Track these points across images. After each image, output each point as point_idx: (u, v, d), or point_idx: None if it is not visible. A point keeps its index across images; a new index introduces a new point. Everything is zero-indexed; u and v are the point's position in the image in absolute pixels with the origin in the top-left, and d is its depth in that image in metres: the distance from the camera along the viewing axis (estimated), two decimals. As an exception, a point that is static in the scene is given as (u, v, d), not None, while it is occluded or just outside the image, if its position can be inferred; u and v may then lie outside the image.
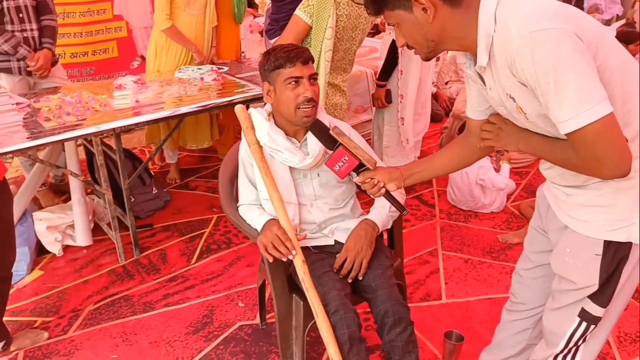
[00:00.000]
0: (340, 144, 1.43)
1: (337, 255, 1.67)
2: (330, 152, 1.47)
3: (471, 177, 3.15)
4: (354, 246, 1.65)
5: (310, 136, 1.66)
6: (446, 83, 5.09)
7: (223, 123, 3.58)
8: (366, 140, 1.83)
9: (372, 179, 1.43)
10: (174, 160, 3.57)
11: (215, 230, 2.99)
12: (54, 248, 2.68)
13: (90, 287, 2.49)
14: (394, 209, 1.70)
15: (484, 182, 3.14)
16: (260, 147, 1.69)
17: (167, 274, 2.60)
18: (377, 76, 3.17)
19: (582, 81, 0.98)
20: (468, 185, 3.16)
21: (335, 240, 1.76)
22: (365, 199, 2.11)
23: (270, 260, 1.59)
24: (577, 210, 1.22)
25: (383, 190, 1.45)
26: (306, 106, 1.62)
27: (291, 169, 1.71)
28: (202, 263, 2.69)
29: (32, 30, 2.81)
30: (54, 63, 2.96)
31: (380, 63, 3.15)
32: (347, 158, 1.43)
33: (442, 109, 4.77)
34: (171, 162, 3.58)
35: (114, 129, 2.38)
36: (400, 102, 3.14)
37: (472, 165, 3.08)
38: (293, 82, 1.62)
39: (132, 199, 2.99)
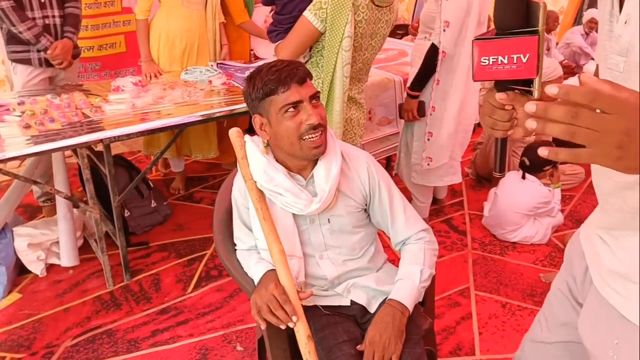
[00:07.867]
0: (539, 31, 0.73)
1: (359, 347, 1.28)
2: (505, 35, 0.73)
3: (521, 206, 2.78)
4: (380, 339, 1.25)
5: (318, 172, 1.31)
6: (479, 90, 4.66)
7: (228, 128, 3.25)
8: (391, 156, 1.44)
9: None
10: (180, 169, 3.24)
11: (217, 253, 2.65)
12: (36, 268, 2.39)
13: (71, 317, 2.19)
14: (425, 276, 1.33)
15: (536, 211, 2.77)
16: None
17: (159, 304, 2.29)
18: (408, 85, 2.75)
19: None
20: (514, 211, 2.77)
21: (351, 301, 1.40)
22: (382, 236, 1.73)
23: (263, 326, 1.25)
24: (623, 284, 0.84)
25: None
26: (312, 135, 1.27)
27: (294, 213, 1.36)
28: (200, 293, 2.37)
29: (54, 17, 2.52)
30: (75, 55, 2.66)
31: (410, 69, 2.74)
32: (525, 60, 0.73)
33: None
34: (177, 171, 3.25)
35: (101, 139, 2.07)
36: (430, 114, 2.73)
37: (528, 195, 2.76)
38: (291, 109, 1.26)
39: (128, 213, 2.69)
